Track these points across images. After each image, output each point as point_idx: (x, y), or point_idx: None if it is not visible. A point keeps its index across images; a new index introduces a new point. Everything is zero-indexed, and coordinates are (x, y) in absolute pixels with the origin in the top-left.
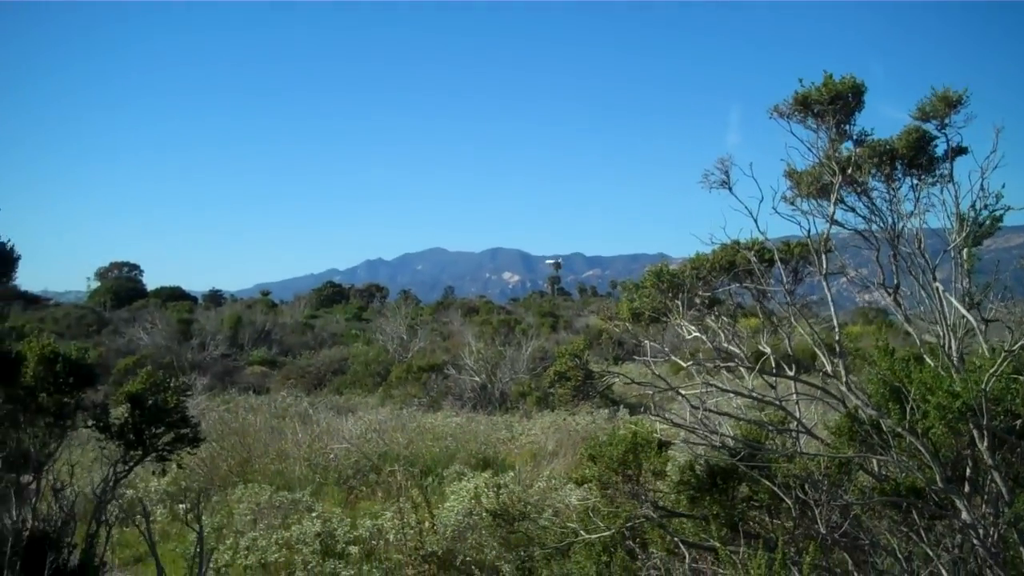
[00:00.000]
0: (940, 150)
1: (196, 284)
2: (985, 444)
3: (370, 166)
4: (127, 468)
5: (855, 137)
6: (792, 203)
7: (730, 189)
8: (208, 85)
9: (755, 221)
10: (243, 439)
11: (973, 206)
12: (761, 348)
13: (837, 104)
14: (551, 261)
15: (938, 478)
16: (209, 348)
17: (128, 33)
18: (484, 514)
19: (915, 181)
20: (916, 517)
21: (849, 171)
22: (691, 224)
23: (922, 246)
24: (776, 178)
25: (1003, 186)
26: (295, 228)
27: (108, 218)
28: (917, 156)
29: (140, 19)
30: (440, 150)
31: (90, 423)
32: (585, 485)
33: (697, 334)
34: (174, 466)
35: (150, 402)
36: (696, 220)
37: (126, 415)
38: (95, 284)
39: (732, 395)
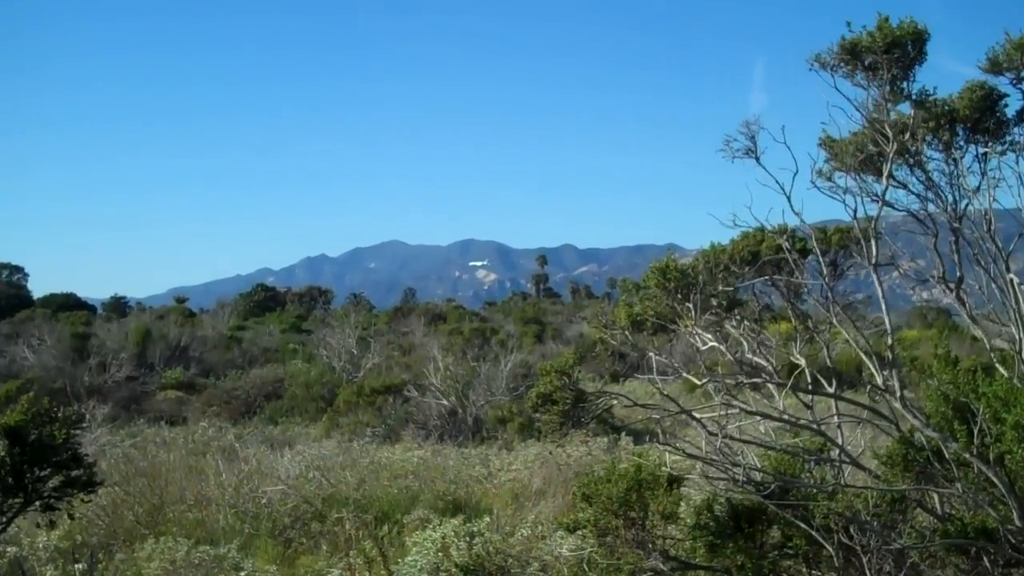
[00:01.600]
0: (1012, 110)
1: (94, 290)
2: None
3: (309, 142)
4: (5, 520)
5: (914, 96)
6: (829, 178)
7: (757, 159)
8: (102, 37)
9: (788, 199)
10: (154, 482)
11: None
12: (794, 359)
13: (893, 54)
14: (536, 256)
15: (1016, 516)
16: (111, 369)
17: None
18: (454, 570)
19: (981, 150)
20: (988, 564)
21: (905, 137)
22: (709, 205)
23: (991, 229)
24: (811, 147)
25: None
26: (217, 220)
27: None
28: (983, 119)
29: None
30: (395, 122)
31: None
32: (579, 532)
33: (714, 344)
34: (66, 516)
35: (33, 437)
36: (715, 201)
37: (2, 454)
38: None
39: (759, 418)
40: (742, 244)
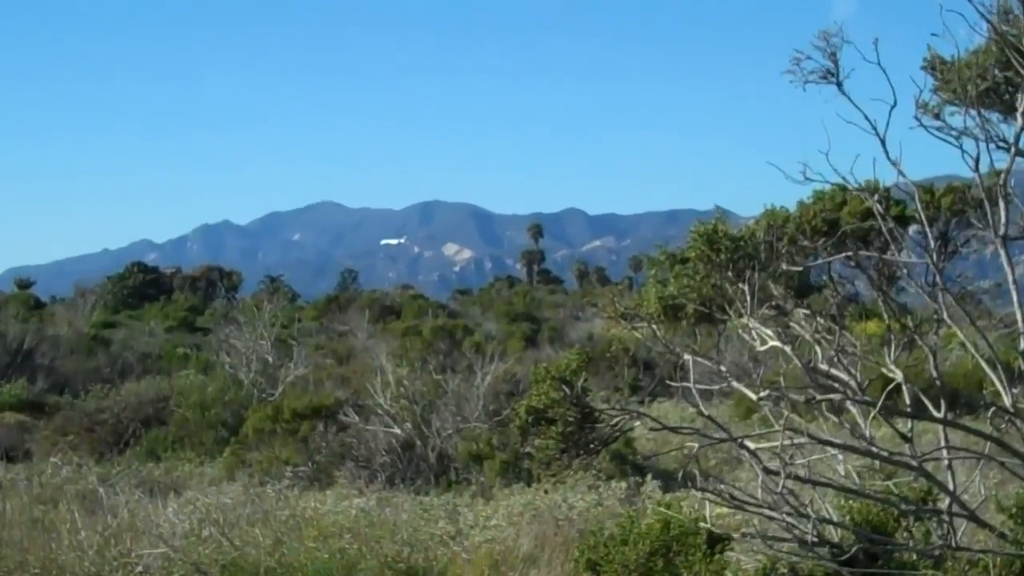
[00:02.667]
0: None
1: None
2: None
3: (209, 72)
4: None
5: None
6: (938, 115)
7: (838, 85)
8: None
9: (881, 142)
10: None
11: None
12: (888, 372)
13: None
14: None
15: None
16: None
17: None
18: None
19: None
20: None
21: None
22: (770, 153)
23: None
24: (915, 70)
25: None
26: (75, 173)
27: None
28: None
29: None
30: (330, 40)
31: None
32: None
33: (776, 344)
34: None
35: None
36: (778, 148)
37: None
38: None
39: (837, 452)
40: (815, 208)
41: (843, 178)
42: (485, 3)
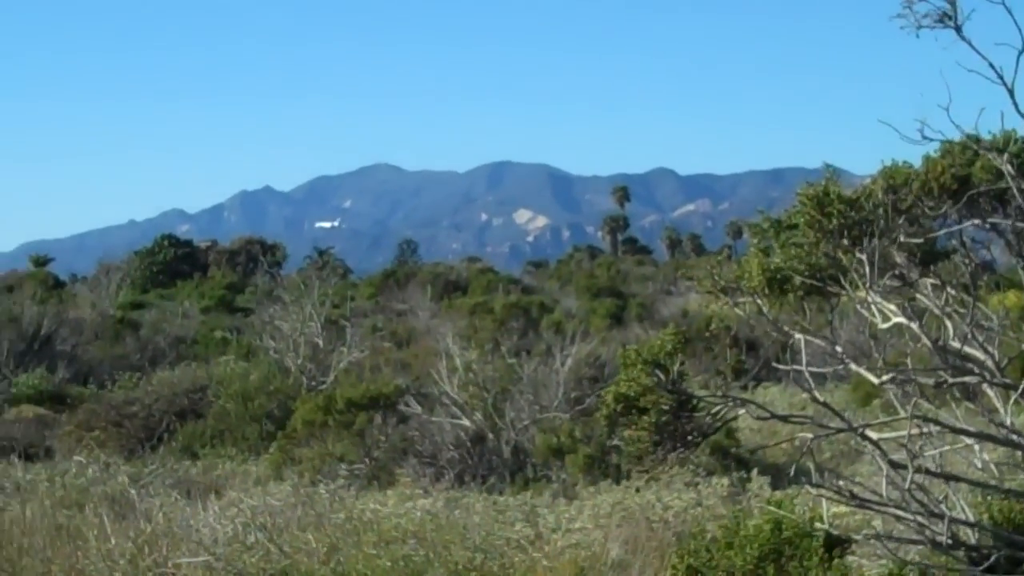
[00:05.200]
0: None
1: None
2: None
3: (247, 23)
4: None
5: None
6: None
7: (957, 29)
8: None
9: (1010, 92)
10: (1, 551)
11: None
12: None
13: None
14: (612, 188)
15: None
16: None
17: None
18: None
19: None
20: None
21: None
22: (882, 109)
23: None
24: None
25: None
26: (99, 137)
27: None
28: None
29: None
30: None
31: None
32: None
33: (901, 320)
34: None
35: None
36: (891, 102)
37: None
38: None
39: (973, 442)
40: (943, 164)
41: (965, 134)
42: None
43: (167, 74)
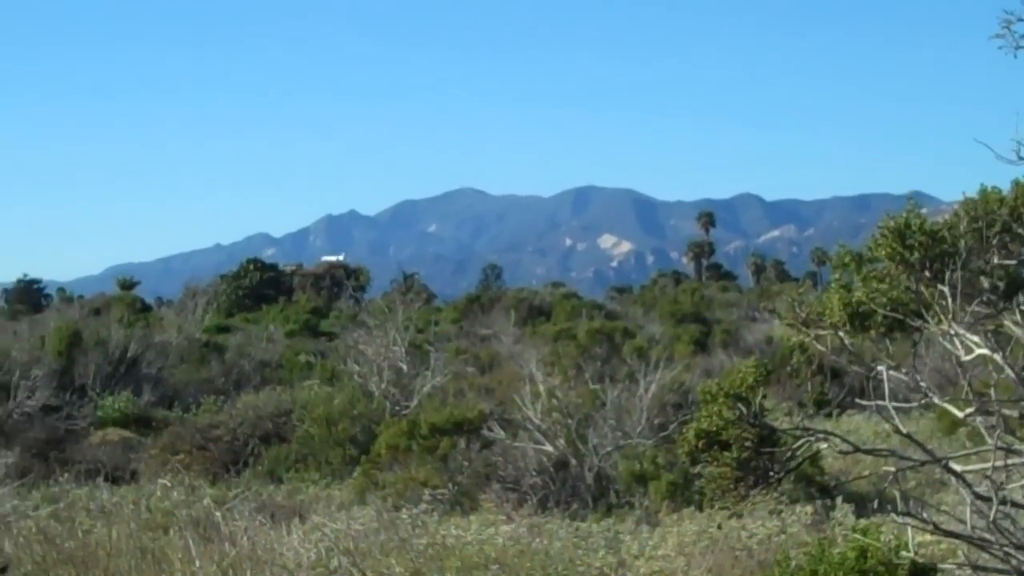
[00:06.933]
0: None
1: None
2: None
3: (336, 45)
4: None
5: None
6: None
7: None
8: None
9: None
10: (87, 573)
11: None
12: None
13: None
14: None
15: None
16: (18, 395)
17: None
18: None
19: None
20: None
21: None
22: (976, 130)
23: None
24: None
25: None
26: (185, 164)
27: None
28: None
29: None
30: (472, 11)
31: None
32: None
33: (986, 351)
34: None
35: None
36: (985, 125)
37: None
38: None
39: None
40: None
41: None
42: None
43: (254, 99)
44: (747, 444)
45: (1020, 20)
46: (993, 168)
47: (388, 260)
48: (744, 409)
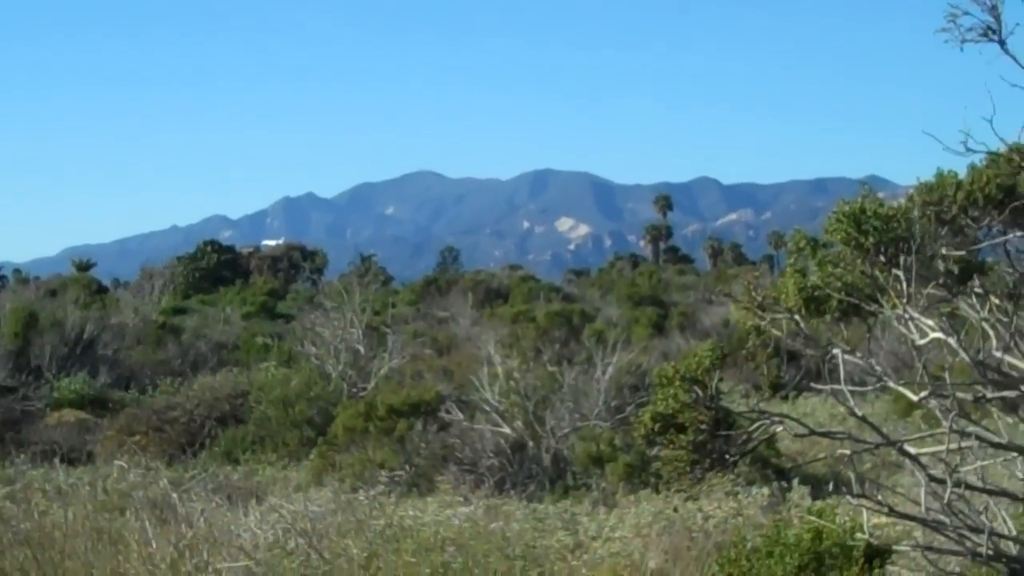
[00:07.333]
0: None
1: None
2: None
3: (291, 25)
4: None
5: None
6: None
7: (1001, 43)
8: None
9: None
10: (43, 554)
11: None
12: None
13: None
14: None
15: None
16: None
17: None
18: None
19: None
20: None
21: None
22: (926, 121)
23: None
24: None
25: None
26: (140, 145)
27: None
28: None
29: None
30: None
31: None
32: None
33: (940, 335)
34: None
35: None
36: (935, 115)
37: None
38: None
39: (1015, 455)
40: (989, 174)
41: (1012, 145)
42: None
43: (210, 80)
44: (703, 427)
45: (966, 14)
46: (945, 156)
47: (346, 242)
48: (700, 392)
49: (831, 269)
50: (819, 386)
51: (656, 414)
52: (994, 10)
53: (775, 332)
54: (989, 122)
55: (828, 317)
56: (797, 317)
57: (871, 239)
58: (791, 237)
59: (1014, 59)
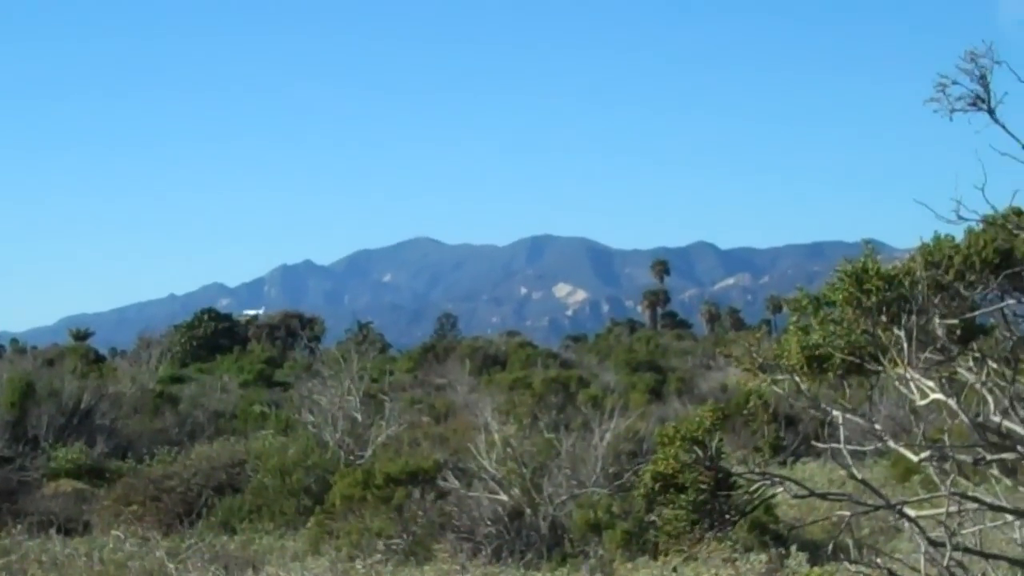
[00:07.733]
0: None
1: None
2: None
3: (290, 91)
4: None
5: None
6: None
7: (991, 112)
8: None
9: None
10: None
11: None
12: None
13: None
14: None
15: None
16: None
17: None
18: None
19: None
20: None
21: None
22: (919, 188)
23: None
24: None
25: None
26: (137, 214)
27: None
28: None
29: None
30: (425, 62)
31: None
32: None
33: (940, 396)
34: None
35: None
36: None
37: None
38: None
39: (1014, 518)
40: (986, 238)
41: (1013, 210)
42: (615, 23)
43: (208, 148)
44: (703, 487)
45: (955, 83)
46: (938, 223)
47: (343, 310)
48: (701, 452)
49: (833, 328)
50: (820, 445)
51: (657, 473)
52: (983, 79)
53: (776, 391)
54: (981, 190)
55: (831, 376)
56: (798, 377)
57: (873, 299)
58: (794, 296)
59: (1003, 128)
